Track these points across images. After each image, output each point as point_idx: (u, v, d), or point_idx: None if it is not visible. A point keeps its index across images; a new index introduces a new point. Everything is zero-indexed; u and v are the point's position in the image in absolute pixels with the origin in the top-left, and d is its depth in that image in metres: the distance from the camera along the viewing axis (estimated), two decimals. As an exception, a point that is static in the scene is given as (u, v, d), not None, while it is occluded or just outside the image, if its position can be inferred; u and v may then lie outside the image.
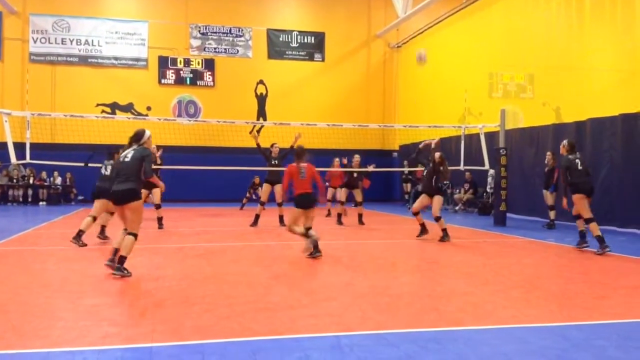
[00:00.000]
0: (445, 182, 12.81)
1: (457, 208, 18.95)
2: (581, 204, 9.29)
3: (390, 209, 20.04)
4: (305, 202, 8.59)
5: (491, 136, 15.93)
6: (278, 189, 13.05)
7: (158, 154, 13.93)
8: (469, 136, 17.23)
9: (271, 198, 13.46)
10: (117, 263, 6.83)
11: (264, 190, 13.45)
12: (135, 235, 6.95)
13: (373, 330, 4.71)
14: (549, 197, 13.61)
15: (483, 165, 15.89)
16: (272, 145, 13.76)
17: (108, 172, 9.71)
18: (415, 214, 11.01)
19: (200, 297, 5.79)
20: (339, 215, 14.18)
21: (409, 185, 21.18)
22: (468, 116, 19.27)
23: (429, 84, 22.19)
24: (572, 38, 15.02)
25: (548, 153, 13.82)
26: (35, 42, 22.26)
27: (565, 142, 9.82)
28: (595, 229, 9.13)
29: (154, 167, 9.02)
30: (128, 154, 7.09)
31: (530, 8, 16.70)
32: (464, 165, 16.13)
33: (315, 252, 8.23)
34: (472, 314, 5.29)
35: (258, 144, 13.61)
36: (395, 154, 24.42)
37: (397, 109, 25.33)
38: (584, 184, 9.31)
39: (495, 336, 4.62)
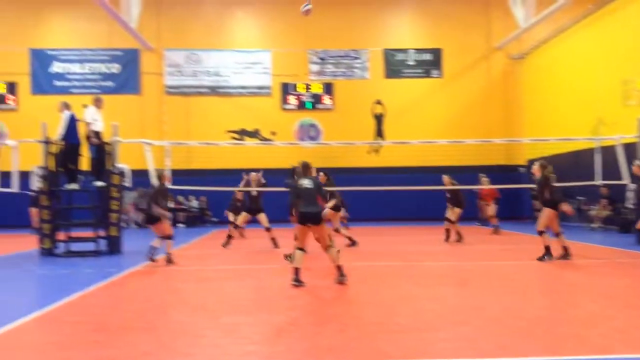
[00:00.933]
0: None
1: (594, 226, 17.74)
2: None
3: (518, 227, 19.21)
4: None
5: (628, 147, 14.82)
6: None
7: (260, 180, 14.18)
8: (604, 148, 16.13)
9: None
10: (339, 272, 7.88)
11: None
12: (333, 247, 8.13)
13: (512, 357, 4.55)
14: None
15: (621, 179, 14.80)
16: None
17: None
18: (541, 232, 10.35)
19: (331, 317, 5.92)
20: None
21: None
22: (601, 127, 18.07)
23: (556, 95, 21.15)
24: None
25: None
26: (170, 75, 24.12)
27: None
28: None
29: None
30: (308, 182, 8.15)
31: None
32: (601, 179, 15.10)
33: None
34: (620, 341, 4.94)
35: None
36: (522, 169, 23.42)
37: (523, 122, 24.33)
38: None
39: (647, 366, 4.29)
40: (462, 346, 4.85)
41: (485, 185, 16.97)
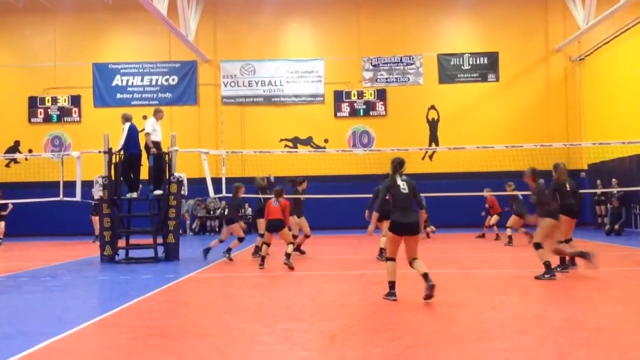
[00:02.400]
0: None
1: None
2: None
3: (580, 233, 18.52)
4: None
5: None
6: None
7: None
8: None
9: None
10: (428, 287, 6.87)
11: None
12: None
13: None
14: None
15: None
16: None
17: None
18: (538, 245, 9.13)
19: (386, 325, 5.86)
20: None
21: (602, 207, 19.47)
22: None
23: (618, 97, 20.35)
24: None
25: None
26: (225, 86, 24.61)
27: None
28: None
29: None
30: (403, 185, 7.19)
31: None
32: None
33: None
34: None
35: None
36: (583, 174, 22.64)
37: (584, 126, 23.50)
38: None
39: None
40: (522, 356, 4.70)
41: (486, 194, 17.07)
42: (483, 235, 17.42)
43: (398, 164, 7.38)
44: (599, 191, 18.52)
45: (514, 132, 22.64)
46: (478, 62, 24.23)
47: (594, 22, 20.37)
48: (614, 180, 19.11)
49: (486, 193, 17.11)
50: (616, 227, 18.29)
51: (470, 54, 24.23)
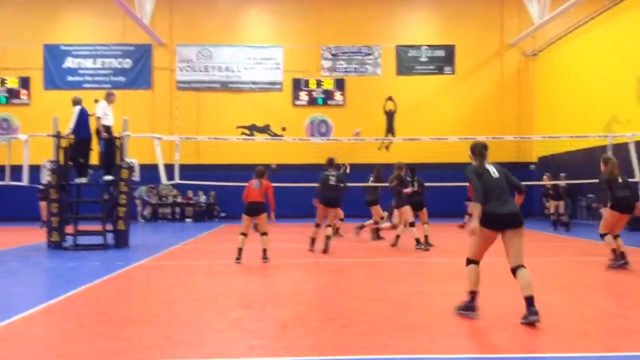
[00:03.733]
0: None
1: (604, 223, 17.53)
2: None
3: (527, 225, 19.03)
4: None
5: (642, 145, 14.66)
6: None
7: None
8: (616, 146, 15.96)
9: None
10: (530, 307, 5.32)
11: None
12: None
13: (519, 354, 4.50)
14: None
15: (633, 176, 14.61)
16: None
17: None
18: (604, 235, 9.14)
19: (338, 313, 5.88)
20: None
21: (549, 199, 20.01)
22: (615, 124, 17.87)
23: (569, 92, 20.94)
24: None
25: None
26: (181, 70, 24.17)
27: None
28: None
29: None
30: (496, 171, 5.84)
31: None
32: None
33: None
34: (627, 340, 4.86)
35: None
36: (532, 167, 23.25)
37: (535, 119, 24.12)
38: None
39: (658, 366, 4.22)
40: (468, 343, 4.80)
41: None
42: (463, 226, 17.31)
43: (484, 148, 6.01)
44: (548, 184, 19.05)
45: (468, 125, 23.03)
46: (435, 54, 24.51)
47: (548, 18, 20.86)
48: (562, 173, 19.70)
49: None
50: (563, 218, 18.91)
51: (427, 46, 24.48)
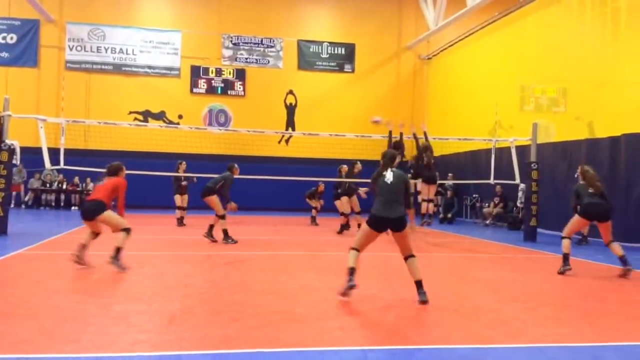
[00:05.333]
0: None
1: (487, 222, 18.71)
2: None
3: (417, 221, 19.84)
4: None
5: (522, 150, 15.72)
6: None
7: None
8: (499, 149, 17.06)
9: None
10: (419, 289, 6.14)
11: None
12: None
13: (401, 345, 4.67)
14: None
15: (514, 179, 15.68)
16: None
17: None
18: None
19: (228, 306, 5.82)
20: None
21: (437, 197, 20.98)
22: (499, 129, 19.06)
23: (459, 97, 22.04)
24: (606, 51, 14.75)
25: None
26: (71, 49, 22.80)
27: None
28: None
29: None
30: (392, 178, 6.26)
31: (564, 21, 16.46)
32: (494, 179, 15.97)
33: None
34: (502, 332, 5.20)
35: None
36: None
37: (427, 120, 25.14)
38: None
39: (526, 355, 4.54)
40: (356, 335, 4.91)
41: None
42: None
43: (388, 157, 6.46)
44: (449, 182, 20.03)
45: (365, 123, 23.50)
46: (336, 51, 24.88)
47: (442, 24, 21.84)
48: (449, 174, 20.76)
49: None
50: (449, 215, 20.01)
51: (329, 43, 24.80)
